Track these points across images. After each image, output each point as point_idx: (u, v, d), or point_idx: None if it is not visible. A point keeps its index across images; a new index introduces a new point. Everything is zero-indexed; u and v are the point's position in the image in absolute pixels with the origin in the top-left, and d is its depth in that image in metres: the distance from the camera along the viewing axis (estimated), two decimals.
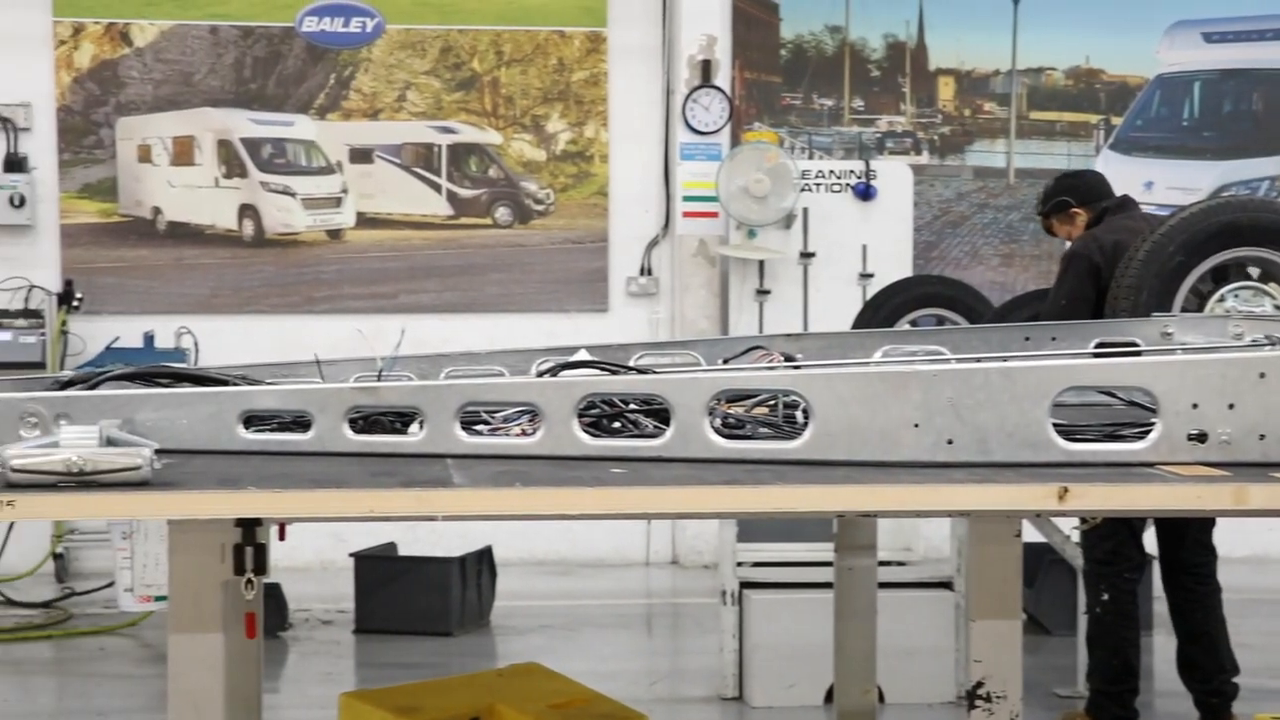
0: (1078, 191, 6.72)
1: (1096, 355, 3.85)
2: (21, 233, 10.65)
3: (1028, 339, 4.26)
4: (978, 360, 3.38)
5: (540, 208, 11.36)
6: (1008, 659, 3.20)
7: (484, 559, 8.93)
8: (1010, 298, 8.79)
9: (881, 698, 6.19)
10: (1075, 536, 6.71)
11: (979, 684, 3.19)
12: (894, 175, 10.91)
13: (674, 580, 10.69)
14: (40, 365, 9.99)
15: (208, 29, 11.07)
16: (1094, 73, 12.04)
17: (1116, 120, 12.00)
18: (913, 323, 7.72)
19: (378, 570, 8.74)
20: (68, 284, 10.49)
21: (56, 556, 10.12)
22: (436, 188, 11.32)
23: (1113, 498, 2.75)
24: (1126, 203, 6.64)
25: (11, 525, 8.81)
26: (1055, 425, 2.87)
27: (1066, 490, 2.66)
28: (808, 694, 6.82)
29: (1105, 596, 6.28)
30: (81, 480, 2.55)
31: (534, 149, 11.40)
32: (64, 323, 10.38)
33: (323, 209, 11.16)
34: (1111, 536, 6.25)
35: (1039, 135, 12.04)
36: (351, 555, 8.83)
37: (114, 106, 10.99)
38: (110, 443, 2.65)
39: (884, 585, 5.16)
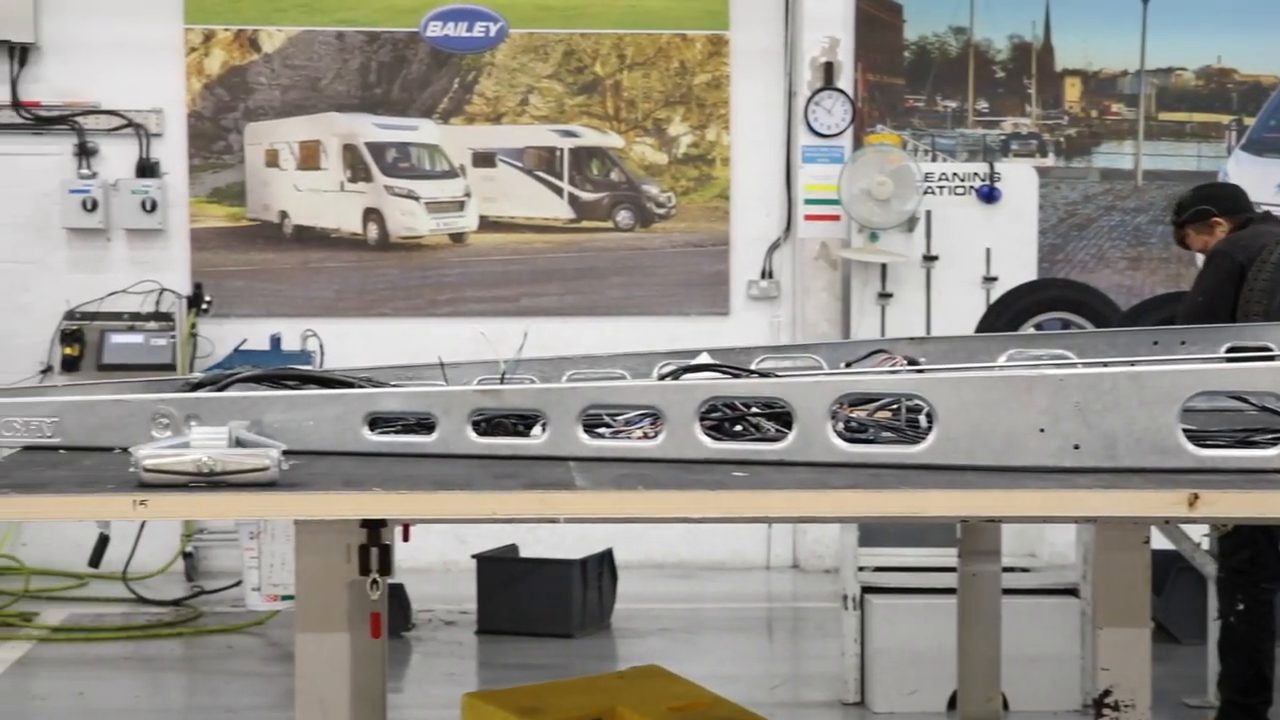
0: (1220, 201, 6.57)
1: (1228, 360, 3.78)
2: (153, 236, 10.85)
3: (1156, 343, 4.19)
4: (1105, 364, 3.33)
5: (661, 211, 11.38)
6: (1136, 667, 3.15)
7: (605, 561, 8.94)
8: (1138, 302, 8.66)
9: (1006, 705, 6.12)
10: (1205, 544, 6.59)
11: (1106, 692, 3.14)
12: (1019, 177, 10.79)
13: (794, 584, 10.65)
14: (170, 367, 10.18)
15: (334, 34, 11.22)
16: (1225, 72, 11.82)
17: (1249, 121, 11.77)
18: (1038, 326, 7.64)
19: (499, 572, 8.79)
20: (197, 287, 10.67)
21: (186, 555, 10.29)
22: (558, 191, 11.37)
23: (1244, 505, 2.69)
24: (1270, 215, 6.53)
25: (143, 524, 8.96)
26: (1185, 430, 2.81)
27: (1197, 497, 2.62)
28: (930, 700, 6.76)
29: (1241, 606, 6.16)
30: (211, 481, 2.58)
31: (655, 152, 11.42)
32: (193, 325, 10.56)
33: (446, 212, 11.26)
34: (1249, 544, 6.12)
35: (1168, 136, 11.85)
36: (474, 557, 8.89)
37: (242, 112, 11.16)
38: (239, 444, 2.69)
39: (1008, 591, 5.10)
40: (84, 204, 10.63)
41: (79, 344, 10.36)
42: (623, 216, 11.40)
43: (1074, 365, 3.45)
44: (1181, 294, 7.18)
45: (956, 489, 2.71)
